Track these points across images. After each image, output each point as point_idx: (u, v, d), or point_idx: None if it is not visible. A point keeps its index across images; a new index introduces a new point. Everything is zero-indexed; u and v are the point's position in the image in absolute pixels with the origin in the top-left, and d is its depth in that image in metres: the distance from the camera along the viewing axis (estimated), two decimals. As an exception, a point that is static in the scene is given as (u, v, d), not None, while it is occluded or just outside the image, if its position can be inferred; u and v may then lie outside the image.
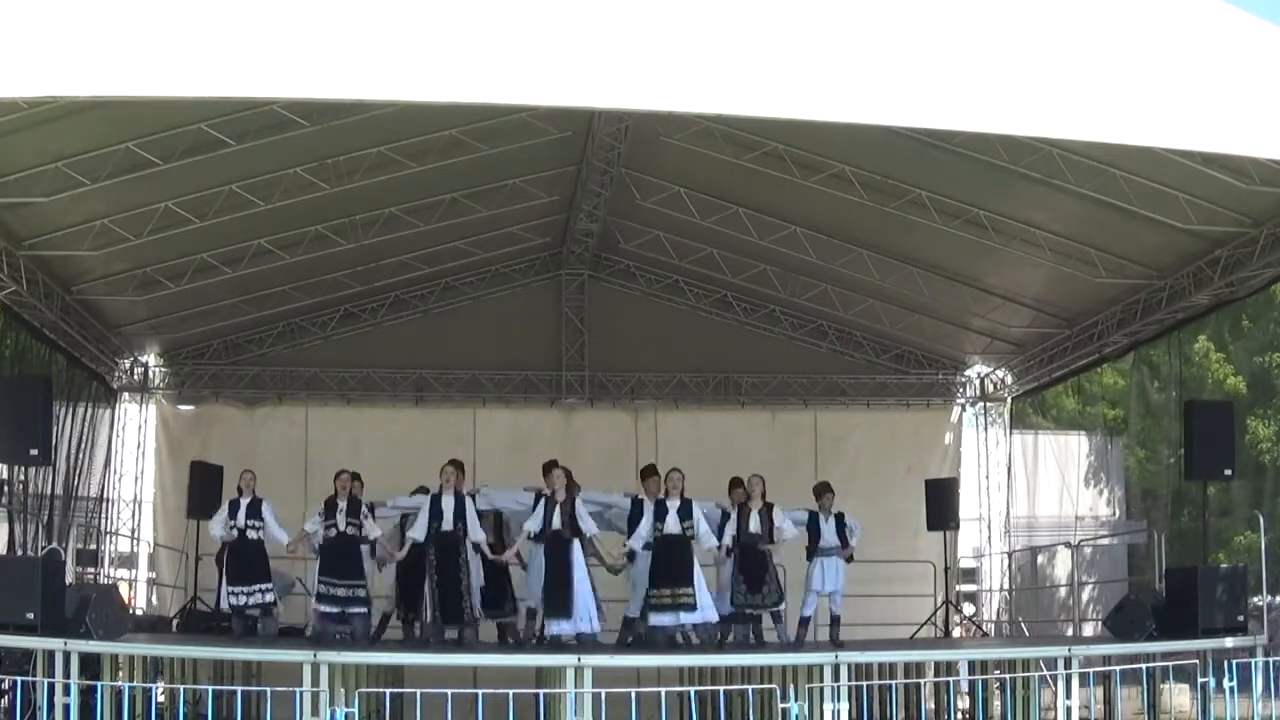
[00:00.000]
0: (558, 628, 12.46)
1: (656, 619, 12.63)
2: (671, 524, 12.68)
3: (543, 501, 12.67)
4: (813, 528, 13.85)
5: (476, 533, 12.94)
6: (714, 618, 12.91)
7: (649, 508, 12.82)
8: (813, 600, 13.82)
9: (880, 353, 20.06)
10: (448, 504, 12.88)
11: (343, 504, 13.37)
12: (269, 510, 13.79)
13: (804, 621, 13.73)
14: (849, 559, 13.99)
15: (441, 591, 12.87)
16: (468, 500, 13.01)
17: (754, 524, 13.03)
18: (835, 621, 13.90)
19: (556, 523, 12.54)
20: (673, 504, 12.76)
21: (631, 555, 13.15)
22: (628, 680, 11.33)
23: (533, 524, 12.67)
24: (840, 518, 13.98)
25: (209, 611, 15.84)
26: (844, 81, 9.46)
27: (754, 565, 13.06)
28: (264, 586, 13.65)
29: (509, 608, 13.66)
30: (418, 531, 12.95)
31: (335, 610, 13.23)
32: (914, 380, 20.16)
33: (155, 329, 18.28)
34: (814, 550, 13.85)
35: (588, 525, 12.68)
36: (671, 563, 12.67)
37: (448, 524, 12.82)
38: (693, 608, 12.57)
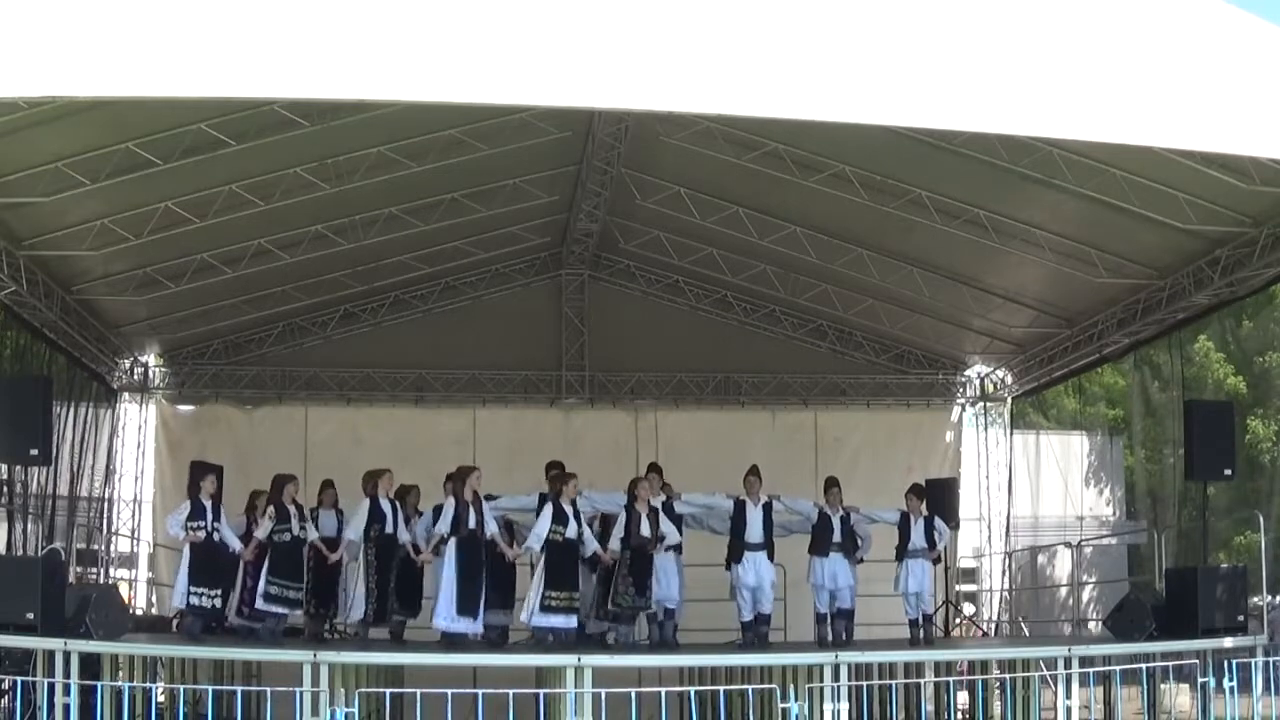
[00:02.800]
0: (464, 626, 12.47)
1: (548, 620, 12.52)
2: (573, 529, 12.67)
3: (453, 503, 12.65)
4: (904, 529, 13.94)
5: (403, 534, 13.29)
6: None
7: (552, 509, 12.76)
8: (914, 602, 13.89)
9: (880, 353, 20.06)
10: (386, 508, 13.24)
11: (293, 509, 13.61)
12: (225, 516, 13.83)
13: (914, 623, 13.89)
14: (936, 561, 14.16)
15: (379, 592, 13.18)
16: (398, 505, 13.43)
17: (644, 528, 12.94)
18: (927, 620, 14.04)
19: (471, 524, 12.58)
20: (571, 509, 12.75)
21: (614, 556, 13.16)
22: (628, 680, 11.33)
23: (443, 525, 12.65)
24: (930, 520, 14.04)
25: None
26: (844, 81, 9.46)
27: (642, 568, 12.99)
28: (220, 591, 13.67)
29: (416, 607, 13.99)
30: (354, 532, 13.25)
31: (285, 611, 13.51)
32: (914, 380, 20.17)
33: (155, 329, 18.29)
34: (903, 552, 13.89)
35: (491, 527, 12.79)
36: (569, 566, 12.68)
37: (388, 527, 13.16)
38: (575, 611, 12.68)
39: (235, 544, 13.69)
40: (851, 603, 13.80)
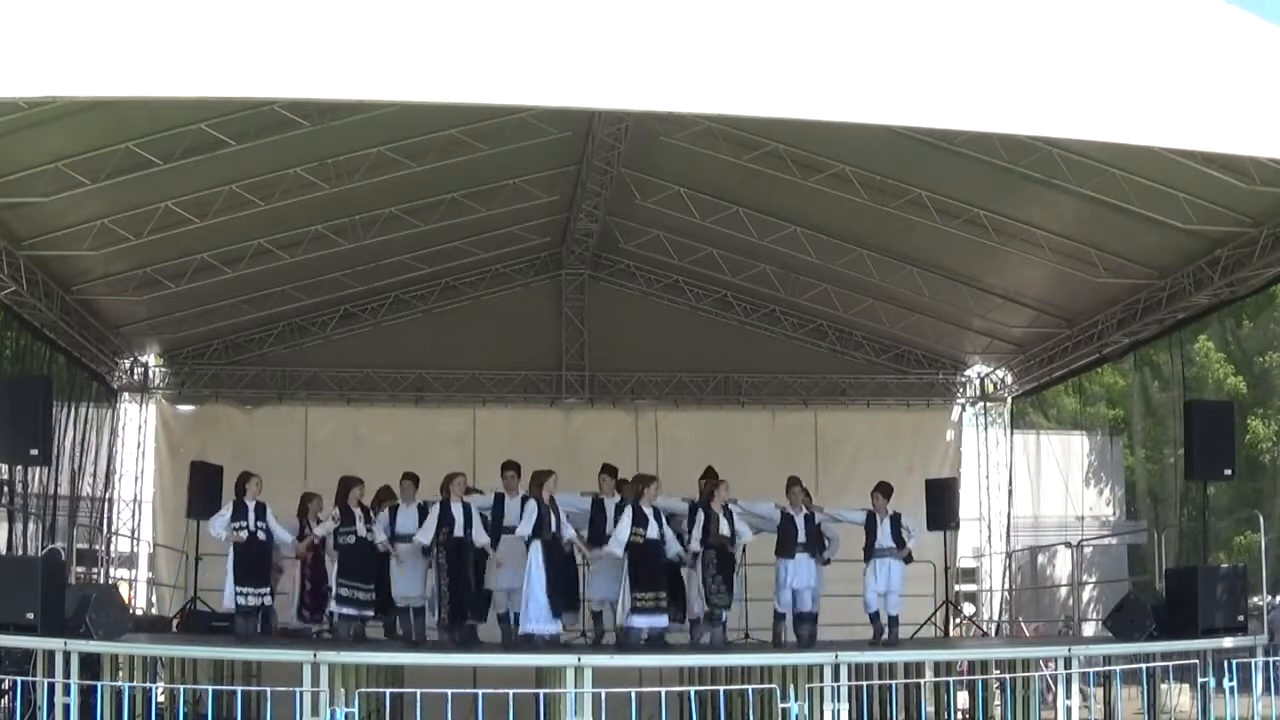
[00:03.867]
0: (555, 627, 12.62)
1: (639, 620, 12.67)
2: (653, 530, 12.77)
3: (535, 507, 12.68)
4: (869, 529, 13.65)
5: (481, 537, 13.17)
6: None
7: (628, 512, 12.86)
8: (873, 600, 13.55)
9: (880, 353, 20.06)
10: (457, 511, 13.15)
11: (359, 511, 13.74)
12: (272, 514, 13.90)
13: (874, 617, 13.58)
14: (907, 560, 13.75)
15: (451, 595, 13.11)
16: (472, 507, 13.32)
17: (723, 527, 13.02)
18: (894, 622, 13.67)
19: (553, 527, 12.70)
20: (649, 509, 12.85)
21: (696, 557, 13.20)
22: (628, 680, 11.32)
23: (525, 528, 12.66)
24: (896, 518, 13.71)
25: (209, 611, 15.88)
26: (844, 81, 9.46)
27: (728, 566, 13.16)
28: (267, 590, 13.83)
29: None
30: (425, 536, 13.17)
31: (356, 613, 13.65)
32: (914, 380, 20.17)
33: (155, 329, 18.29)
34: (870, 551, 13.59)
35: (568, 531, 12.93)
36: (653, 567, 12.79)
37: (459, 530, 13.09)
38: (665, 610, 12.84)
39: (287, 538, 13.82)
40: (814, 605, 13.57)
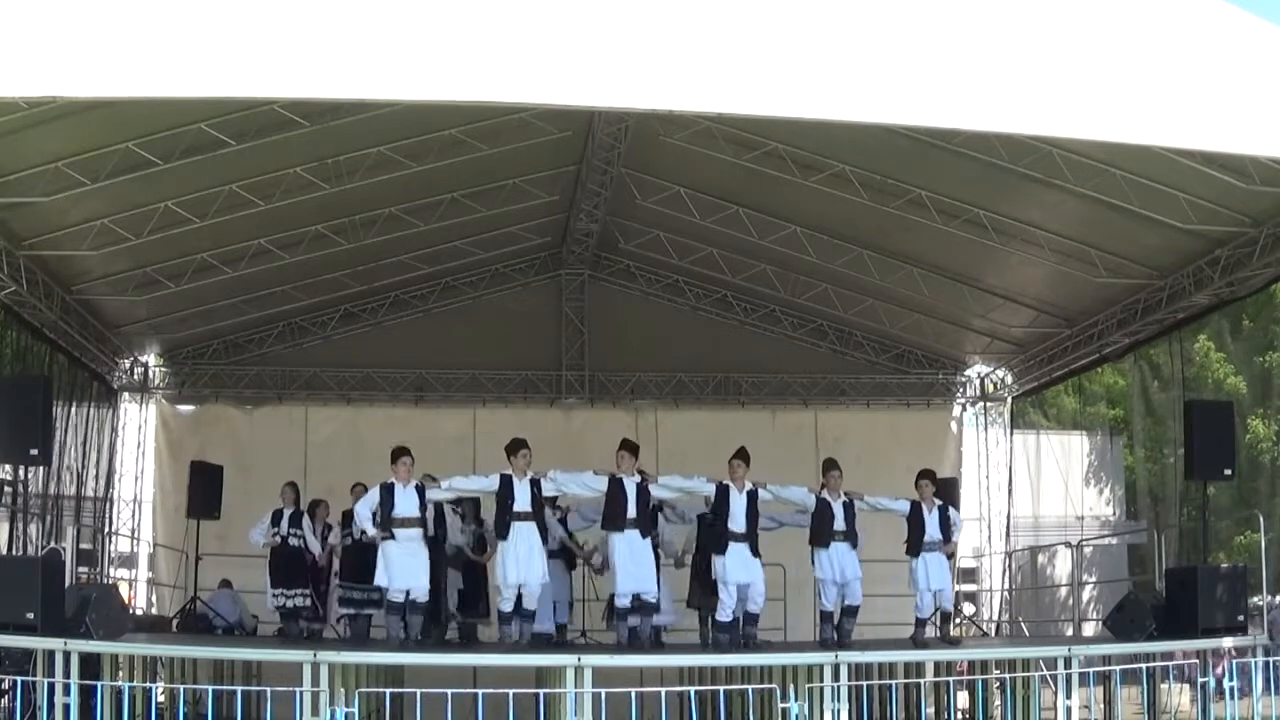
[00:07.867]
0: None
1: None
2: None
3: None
4: (916, 521, 12.77)
5: (456, 537, 13.37)
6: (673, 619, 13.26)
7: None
8: (928, 599, 12.78)
9: (880, 353, 20.07)
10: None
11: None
12: (308, 524, 14.38)
13: (921, 622, 12.86)
14: (950, 555, 12.99)
15: (466, 589, 13.47)
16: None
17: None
18: (947, 618, 13.07)
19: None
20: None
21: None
22: (628, 680, 11.32)
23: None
24: (945, 510, 12.85)
25: (209, 612, 15.91)
26: (844, 81, 9.46)
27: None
28: (303, 591, 14.27)
29: (482, 609, 13.92)
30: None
31: (351, 612, 13.93)
32: (914, 380, 20.18)
33: (155, 329, 18.29)
34: (919, 545, 12.73)
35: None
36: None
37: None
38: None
39: (316, 548, 14.27)
40: (859, 598, 12.68)
